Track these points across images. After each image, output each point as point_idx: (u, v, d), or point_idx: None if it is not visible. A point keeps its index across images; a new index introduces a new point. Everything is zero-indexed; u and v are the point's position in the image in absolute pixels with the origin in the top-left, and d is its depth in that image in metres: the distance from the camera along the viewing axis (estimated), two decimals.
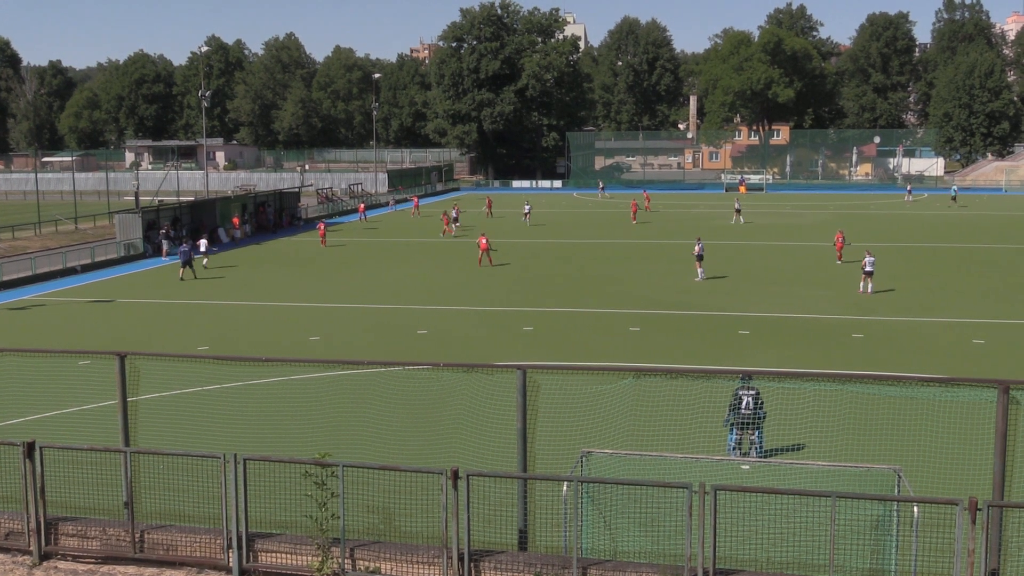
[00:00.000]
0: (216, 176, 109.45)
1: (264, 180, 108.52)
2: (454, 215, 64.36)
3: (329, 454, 11.35)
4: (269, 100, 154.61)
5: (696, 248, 42.02)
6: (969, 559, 9.69)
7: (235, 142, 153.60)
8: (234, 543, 11.33)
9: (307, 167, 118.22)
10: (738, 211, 67.73)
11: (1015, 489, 10.80)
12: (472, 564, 10.91)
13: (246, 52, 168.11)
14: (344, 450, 14.13)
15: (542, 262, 48.02)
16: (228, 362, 22.77)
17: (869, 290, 37.86)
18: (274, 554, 11.39)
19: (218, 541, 11.54)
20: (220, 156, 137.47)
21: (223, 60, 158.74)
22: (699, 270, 41.83)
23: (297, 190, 77.56)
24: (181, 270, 43.66)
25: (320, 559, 11.07)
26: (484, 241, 47.10)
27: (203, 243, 48.62)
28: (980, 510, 9.66)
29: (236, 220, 62.16)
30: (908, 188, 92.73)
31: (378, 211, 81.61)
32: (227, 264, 49.51)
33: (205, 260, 47.51)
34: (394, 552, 11.21)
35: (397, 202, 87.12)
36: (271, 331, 31.95)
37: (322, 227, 58.45)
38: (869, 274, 37.89)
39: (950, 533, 9.93)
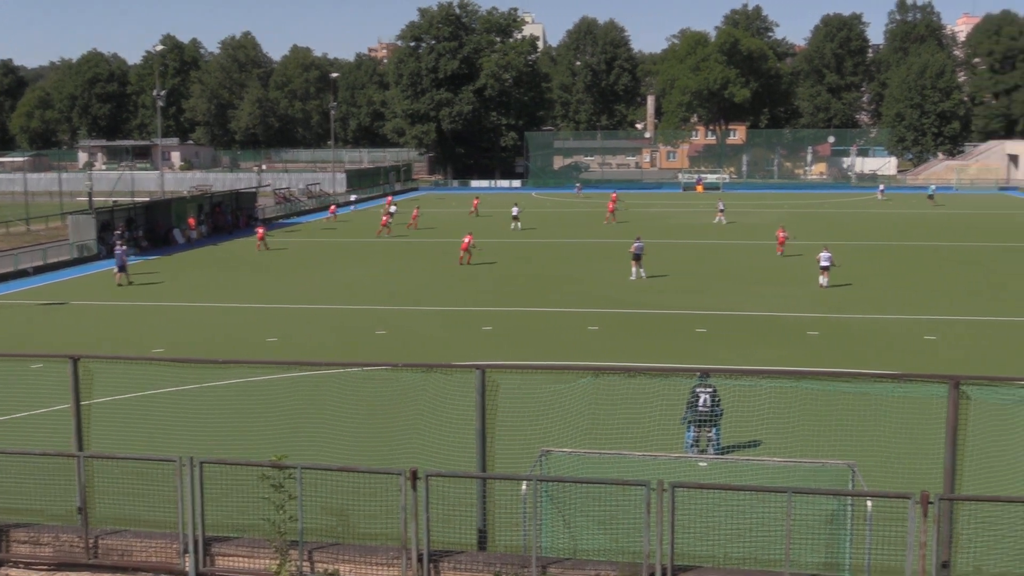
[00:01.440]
0: (172, 176, 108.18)
1: (220, 180, 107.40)
2: (392, 211, 65.40)
3: (286, 456, 11.28)
4: (225, 100, 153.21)
5: (633, 247, 42.21)
6: (921, 551, 9.85)
7: (191, 142, 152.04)
8: (191, 548, 11.23)
9: (264, 167, 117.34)
10: (721, 211, 68.07)
11: (965, 482, 10.98)
12: (431, 564, 10.90)
13: (202, 51, 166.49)
14: (302, 452, 14.06)
15: (503, 262, 48.04)
16: (184, 364, 22.57)
17: (825, 283, 38.94)
18: (231, 558, 11.30)
19: (174, 546, 11.43)
20: (175, 156, 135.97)
21: (178, 59, 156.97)
22: (635, 269, 41.84)
23: (254, 190, 76.86)
24: (117, 275, 41.79)
25: (278, 562, 11.01)
26: (467, 240, 47.03)
27: (120, 250, 42.61)
28: (932, 503, 9.82)
29: (192, 221, 61.52)
30: (880, 187, 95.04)
31: (344, 209, 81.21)
32: (183, 265, 48.99)
33: (120, 275, 41.97)
34: (353, 553, 11.18)
35: (357, 202, 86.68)
36: (228, 333, 31.67)
37: (261, 231, 55.65)
38: (825, 268, 38.83)
39: (903, 526, 10.09)
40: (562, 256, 50.16)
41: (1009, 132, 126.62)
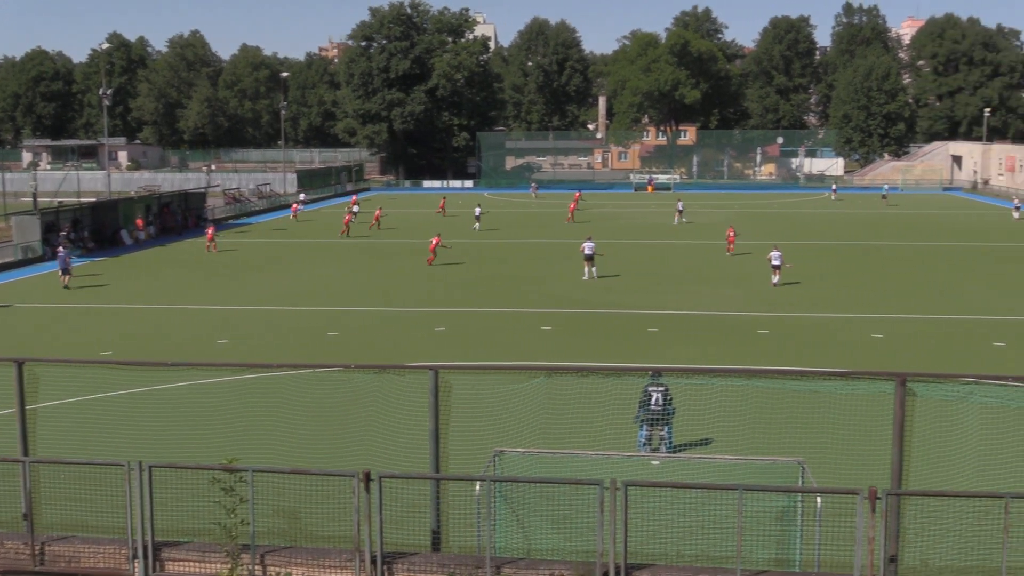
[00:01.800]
0: (119, 176, 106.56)
1: (169, 180, 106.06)
2: (355, 210, 66.05)
3: (237, 459, 11.18)
4: (174, 99, 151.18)
5: (584, 247, 42.42)
6: (870, 546, 10.01)
7: (138, 142, 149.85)
8: (139, 553, 11.09)
9: (213, 167, 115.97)
10: (680, 211, 68.72)
11: (912, 477, 11.18)
12: (385, 566, 10.86)
13: (149, 50, 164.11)
14: (254, 455, 13.93)
15: (460, 262, 47.96)
16: (132, 367, 22.25)
17: (776, 281, 39.61)
18: (181, 563, 11.18)
19: (123, 551, 11.27)
20: (123, 156, 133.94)
21: (125, 58, 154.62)
22: (587, 269, 42.10)
23: (203, 191, 76.01)
24: (62, 277, 40.81)
25: (229, 566, 10.90)
26: (435, 241, 46.99)
27: (62, 253, 42.12)
28: (879, 499, 9.98)
29: (140, 222, 60.68)
30: (833, 187, 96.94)
31: (282, 211, 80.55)
32: (130, 266, 48.28)
33: (66, 279, 40.92)
34: (305, 557, 11.10)
35: (306, 202, 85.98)
36: (177, 335, 31.28)
37: (211, 232, 54.64)
38: (776, 267, 39.45)
39: (851, 522, 10.24)
40: (519, 256, 50.23)
41: (952, 133, 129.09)
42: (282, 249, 55.02)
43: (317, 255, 51.76)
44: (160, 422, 19.38)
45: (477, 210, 66.50)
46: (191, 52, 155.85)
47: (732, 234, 50.59)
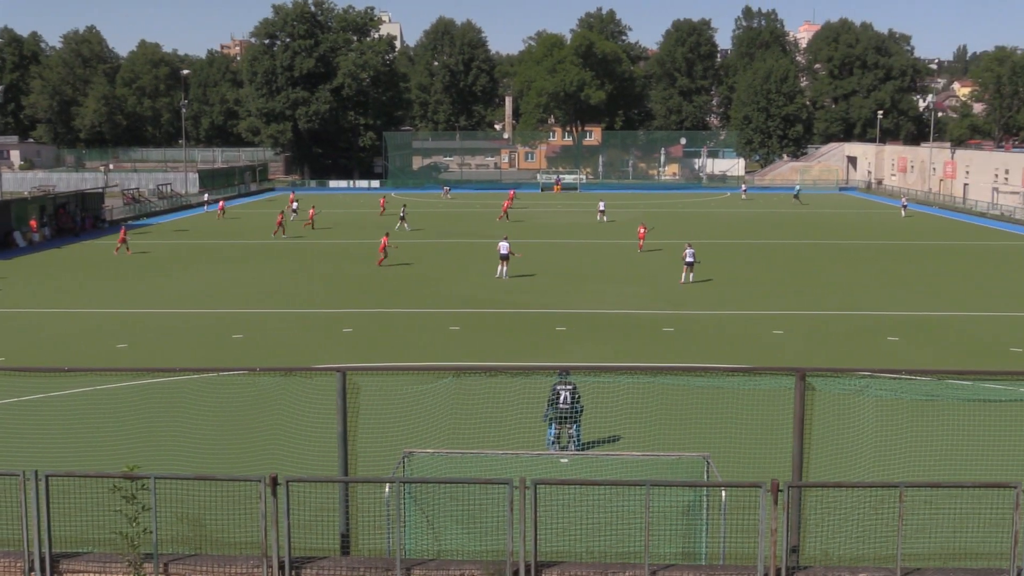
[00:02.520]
0: (10, 176, 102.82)
1: (64, 180, 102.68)
2: (295, 207, 67.95)
3: (139, 466, 10.91)
4: (69, 96, 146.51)
5: (501, 247, 42.72)
6: (772, 538, 10.26)
7: (31, 140, 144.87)
8: (36, 565, 10.74)
9: (111, 167, 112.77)
10: (602, 211, 69.92)
11: (812, 470, 11.49)
12: (293, 571, 10.72)
13: (43, 45, 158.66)
14: (156, 461, 13.62)
15: (362, 262, 47.58)
16: (26, 373, 21.49)
17: (690, 279, 40.30)
18: (81, 574, 10.86)
19: (19, 564, 10.90)
20: (15, 155, 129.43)
21: (17, 53, 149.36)
22: (500, 268, 42.53)
23: (101, 191, 73.87)
24: None
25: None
26: (384, 241, 46.76)
27: None
28: (781, 491, 10.24)
29: (34, 223, 58.69)
30: (743, 187, 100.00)
31: (198, 210, 78.81)
32: (24, 269, 46.64)
33: None
34: (211, 564, 10.89)
35: (211, 203, 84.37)
36: (74, 340, 30.34)
37: (123, 232, 53.31)
38: (690, 265, 40.11)
39: (755, 514, 10.48)
40: (428, 256, 50.02)
41: (848, 135, 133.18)
42: (184, 250, 53.78)
43: (217, 256, 50.75)
44: (57, 430, 18.77)
45: (402, 210, 67.14)
46: (87, 48, 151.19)
47: (643, 231, 51.48)
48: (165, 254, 51.97)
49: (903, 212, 75.04)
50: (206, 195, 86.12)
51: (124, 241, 51.94)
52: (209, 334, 30.97)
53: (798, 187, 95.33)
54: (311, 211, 66.25)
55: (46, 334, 31.28)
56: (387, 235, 48.34)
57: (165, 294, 38.90)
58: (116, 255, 50.71)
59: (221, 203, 75.74)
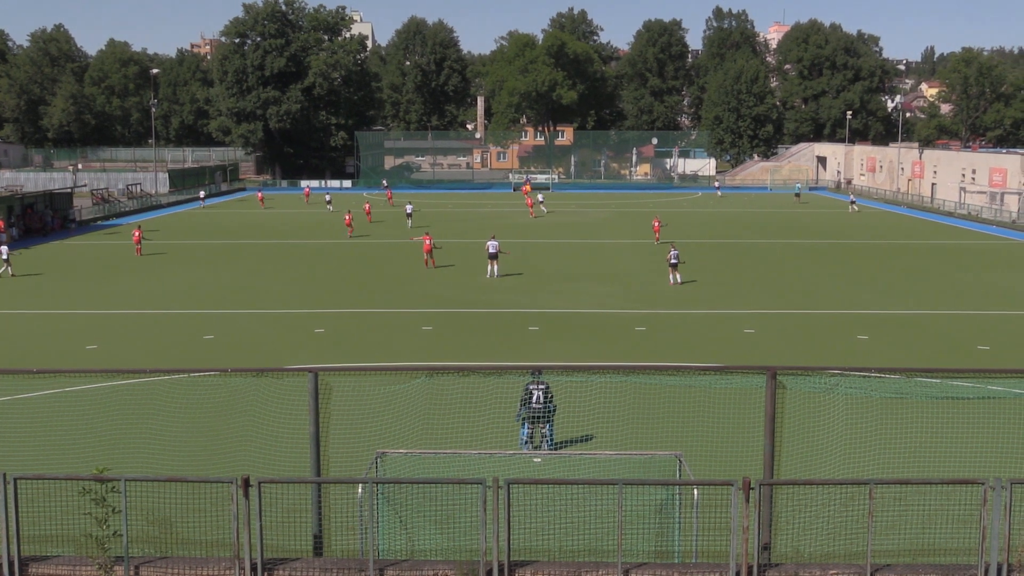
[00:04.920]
0: None
1: (32, 180, 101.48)
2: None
3: (109, 469, 10.82)
4: (36, 95, 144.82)
5: (489, 246, 42.71)
6: (744, 535, 10.33)
7: None
8: (5, 569, 10.63)
9: (80, 166, 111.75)
10: (541, 201, 72.73)
11: (783, 467, 11.58)
12: (266, 573, 10.68)
13: (10, 43, 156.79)
14: (127, 464, 13.52)
15: (333, 262, 47.40)
16: None
17: (679, 280, 40.36)
18: None
19: None
20: None
21: None
22: (490, 267, 42.55)
23: (69, 191, 73.12)
24: None
25: None
26: (428, 241, 45.62)
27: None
28: (753, 489, 10.31)
29: (1, 223, 57.99)
30: (717, 186, 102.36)
31: (168, 210, 78.13)
32: None
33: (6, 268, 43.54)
34: (183, 566, 10.82)
35: (178, 203, 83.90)
36: (42, 341, 30.02)
37: (138, 233, 51.98)
38: (674, 266, 40.23)
39: (727, 512, 10.54)
40: (401, 256, 49.89)
41: (817, 135, 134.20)
42: (157, 250, 53.30)
43: (184, 257, 50.38)
44: (26, 432, 18.57)
45: (409, 208, 66.91)
46: (55, 47, 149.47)
47: (658, 224, 54.54)
48: (135, 255, 51.46)
49: (851, 208, 78.24)
50: (202, 192, 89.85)
51: (139, 241, 51.32)
52: (180, 335, 30.74)
53: (799, 187, 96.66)
54: (366, 206, 69.50)
55: (15, 335, 30.93)
56: (428, 234, 46.84)
57: (135, 295, 38.57)
58: (139, 255, 50.21)
59: (260, 194, 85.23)
